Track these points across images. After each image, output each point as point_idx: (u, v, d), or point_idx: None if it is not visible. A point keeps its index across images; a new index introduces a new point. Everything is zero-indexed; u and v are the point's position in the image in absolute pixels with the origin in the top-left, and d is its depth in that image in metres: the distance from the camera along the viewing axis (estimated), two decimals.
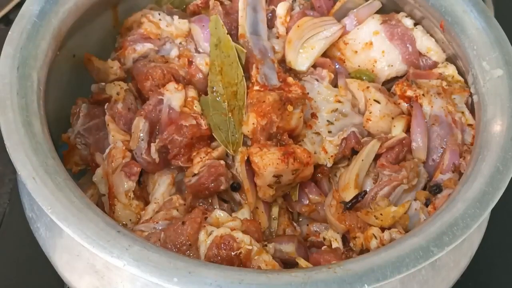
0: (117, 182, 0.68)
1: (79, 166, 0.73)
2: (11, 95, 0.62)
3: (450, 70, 0.77)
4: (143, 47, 0.77)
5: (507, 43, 0.71)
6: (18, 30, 0.67)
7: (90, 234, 0.55)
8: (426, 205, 0.69)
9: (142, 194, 0.71)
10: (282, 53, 0.78)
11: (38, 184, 0.57)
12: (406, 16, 0.80)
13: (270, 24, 0.80)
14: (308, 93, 0.73)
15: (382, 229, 0.65)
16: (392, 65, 0.78)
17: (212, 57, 0.75)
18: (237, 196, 0.70)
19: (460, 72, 0.77)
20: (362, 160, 0.70)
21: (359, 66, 0.79)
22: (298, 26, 0.78)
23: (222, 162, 0.68)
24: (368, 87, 0.75)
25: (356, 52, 0.79)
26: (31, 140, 0.61)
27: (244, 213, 0.68)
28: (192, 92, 0.72)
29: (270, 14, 0.81)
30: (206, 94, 0.73)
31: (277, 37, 0.80)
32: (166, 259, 0.54)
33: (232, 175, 0.69)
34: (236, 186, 0.69)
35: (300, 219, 0.73)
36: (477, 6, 0.75)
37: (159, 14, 0.79)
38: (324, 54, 0.79)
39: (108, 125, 0.72)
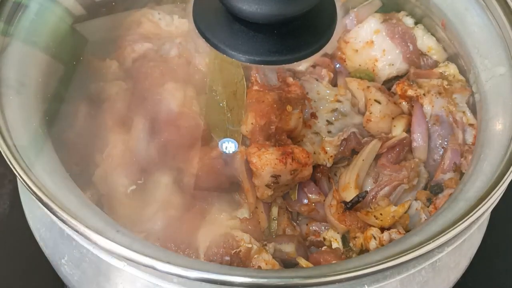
0: (117, 182, 0.68)
1: (78, 166, 0.73)
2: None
3: (451, 69, 0.76)
4: (142, 47, 0.77)
5: (510, 41, 0.71)
6: None
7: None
8: (427, 205, 0.69)
9: (142, 194, 0.70)
10: None
11: (37, 184, 0.57)
12: (407, 15, 0.80)
13: None
14: (307, 93, 0.73)
15: (382, 230, 0.65)
16: (393, 64, 0.78)
17: (212, 56, 0.74)
18: (236, 196, 0.70)
19: (462, 71, 0.76)
20: (363, 160, 0.70)
21: (359, 65, 0.79)
22: None
23: (221, 161, 0.68)
24: (368, 87, 0.75)
25: (357, 51, 0.79)
26: (30, 140, 0.61)
27: (243, 213, 0.68)
28: (191, 92, 0.72)
29: None
30: (205, 94, 0.73)
31: None
32: (166, 259, 0.54)
33: (232, 175, 0.69)
34: (235, 186, 0.69)
35: (300, 219, 0.73)
36: (479, 3, 0.74)
37: (159, 14, 0.79)
38: (325, 53, 0.79)
39: (107, 125, 0.72)
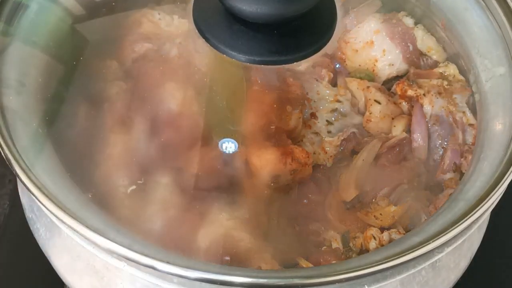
0: (117, 182, 0.68)
1: (78, 166, 0.73)
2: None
3: (451, 69, 0.76)
4: (142, 47, 0.77)
5: (510, 41, 0.71)
6: None
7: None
8: (427, 205, 0.69)
9: (142, 194, 0.70)
10: None
11: (37, 184, 0.57)
12: (407, 15, 0.80)
13: None
14: (307, 93, 0.73)
15: (382, 230, 0.65)
16: (393, 64, 0.78)
17: (212, 56, 0.74)
18: (236, 196, 0.70)
19: (462, 71, 0.76)
20: (363, 160, 0.70)
21: (359, 65, 0.79)
22: None
23: (221, 161, 0.68)
24: (368, 87, 0.75)
25: (357, 51, 0.79)
26: (30, 140, 0.61)
27: (243, 213, 0.68)
28: (191, 92, 0.72)
29: None
30: (205, 94, 0.73)
31: None
32: (166, 259, 0.54)
33: (232, 174, 0.69)
34: (235, 186, 0.69)
35: (300, 219, 0.73)
36: (479, 3, 0.74)
37: (159, 14, 0.79)
38: (324, 53, 0.79)
39: (107, 125, 0.72)
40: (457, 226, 0.56)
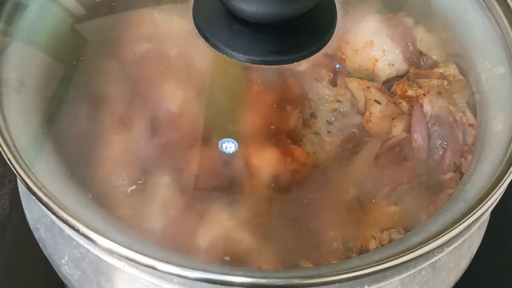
0: (117, 182, 0.68)
1: (78, 166, 0.73)
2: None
3: (451, 69, 0.76)
4: (142, 47, 0.76)
5: (510, 41, 0.71)
6: None
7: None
8: (427, 205, 0.69)
9: (142, 194, 0.70)
10: None
11: (37, 184, 0.57)
12: (407, 15, 0.80)
13: None
14: (307, 93, 0.73)
15: (382, 230, 0.65)
16: (393, 64, 0.78)
17: (212, 56, 0.74)
18: (236, 196, 0.70)
19: (462, 71, 0.76)
20: (363, 160, 0.70)
21: (359, 65, 0.79)
22: None
23: (221, 161, 0.68)
24: (368, 87, 0.75)
25: (357, 51, 0.79)
26: (30, 140, 0.61)
27: (243, 213, 0.68)
28: (191, 92, 0.72)
29: None
30: (205, 94, 0.73)
31: None
32: (166, 259, 0.54)
33: (231, 175, 0.69)
34: (235, 186, 0.69)
35: (300, 219, 0.73)
36: (479, 3, 0.74)
37: (159, 14, 0.79)
38: (324, 53, 0.78)
39: (107, 125, 0.72)
40: (457, 226, 0.56)
